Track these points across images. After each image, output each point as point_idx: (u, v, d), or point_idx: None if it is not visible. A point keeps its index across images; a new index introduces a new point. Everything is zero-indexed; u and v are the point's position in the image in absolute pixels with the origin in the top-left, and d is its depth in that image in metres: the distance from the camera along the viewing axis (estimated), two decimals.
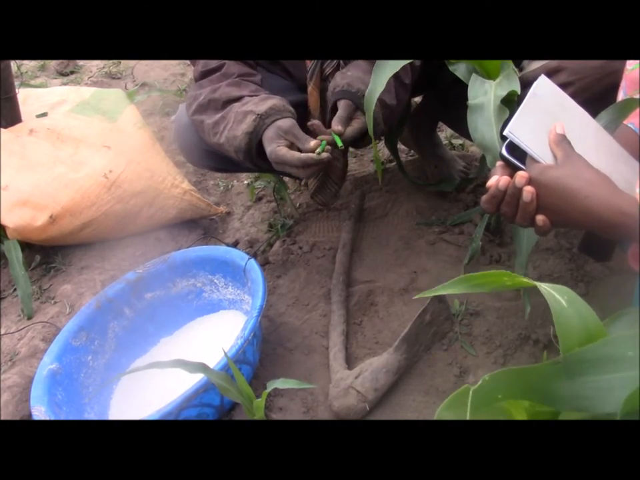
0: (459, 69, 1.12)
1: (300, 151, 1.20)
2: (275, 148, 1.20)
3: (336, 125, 1.21)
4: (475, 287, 0.72)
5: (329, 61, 1.35)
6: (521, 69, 1.18)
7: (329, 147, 1.19)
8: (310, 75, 1.37)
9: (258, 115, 1.22)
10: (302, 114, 1.49)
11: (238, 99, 1.28)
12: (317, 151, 1.17)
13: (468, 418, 0.60)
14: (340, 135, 1.20)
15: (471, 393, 0.61)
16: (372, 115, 1.10)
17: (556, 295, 0.66)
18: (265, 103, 1.24)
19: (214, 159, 1.48)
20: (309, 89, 1.37)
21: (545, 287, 0.67)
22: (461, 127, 1.66)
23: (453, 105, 1.50)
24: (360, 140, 1.29)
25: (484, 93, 1.03)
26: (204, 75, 1.36)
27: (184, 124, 1.45)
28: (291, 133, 1.21)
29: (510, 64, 1.06)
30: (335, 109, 1.26)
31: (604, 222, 0.73)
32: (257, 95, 1.28)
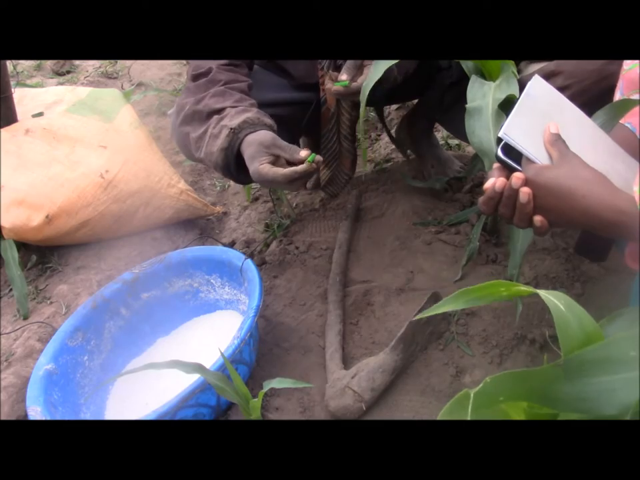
0: (466, 63, 1.11)
1: (288, 162, 1.18)
2: (258, 167, 1.17)
3: (342, 75, 1.20)
4: (473, 300, 0.71)
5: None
6: (518, 72, 1.18)
7: (318, 157, 1.16)
8: (326, 65, 1.36)
9: (231, 129, 1.20)
10: (296, 112, 1.49)
11: (220, 110, 1.26)
12: (308, 160, 1.14)
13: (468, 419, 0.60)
14: (344, 83, 1.20)
15: (472, 395, 0.61)
16: (365, 102, 1.08)
17: (554, 300, 0.65)
18: (239, 116, 1.23)
19: None
20: (326, 79, 1.36)
21: (543, 294, 0.66)
22: (457, 129, 1.67)
23: (448, 107, 1.51)
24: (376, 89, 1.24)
25: (482, 95, 1.02)
26: (194, 78, 1.35)
27: None
28: (274, 145, 1.18)
29: (510, 66, 1.04)
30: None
31: (602, 221, 0.73)
32: (238, 107, 1.27)
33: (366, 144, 1.16)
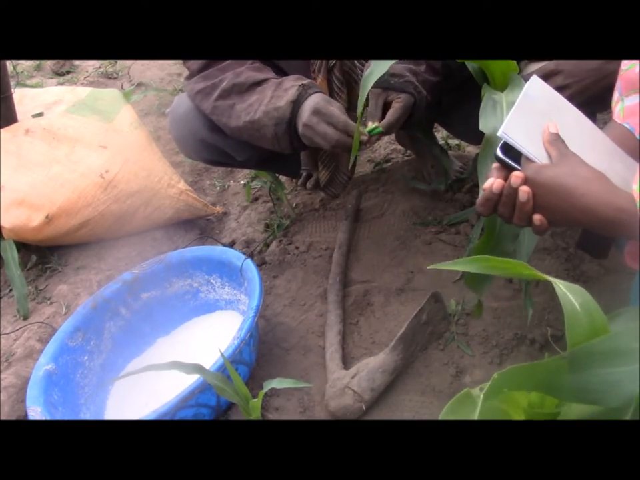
0: (472, 65, 1.07)
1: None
2: (326, 103, 1.20)
3: (367, 124, 1.20)
4: (489, 268, 0.71)
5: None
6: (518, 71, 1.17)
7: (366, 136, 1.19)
8: (317, 68, 1.37)
9: (301, 84, 1.24)
10: None
11: (263, 81, 1.29)
12: (368, 129, 1.18)
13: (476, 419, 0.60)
14: (374, 127, 1.20)
15: (482, 395, 0.61)
16: (365, 96, 1.04)
17: (567, 292, 0.65)
18: (302, 79, 1.27)
19: (208, 151, 1.49)
20: (318, 81, 1.36)
21: (558, 285, 0.66)
22: (457, 130, 1.67)
23: (447, 109, 1.50)
24: (407, 120, 1.26)
25: (493, 129, 0.95)
26: (208, 64, 1.35)
27: (179, 115, 1.45)
28: (340, 106, 1.22)
29: (522, 81, 1.00)
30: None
31: (601, 219, 0.73)
32: (277, 78, 1.30)
33: (358, 134, 1.13)
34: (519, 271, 0.70)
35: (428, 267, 0.80)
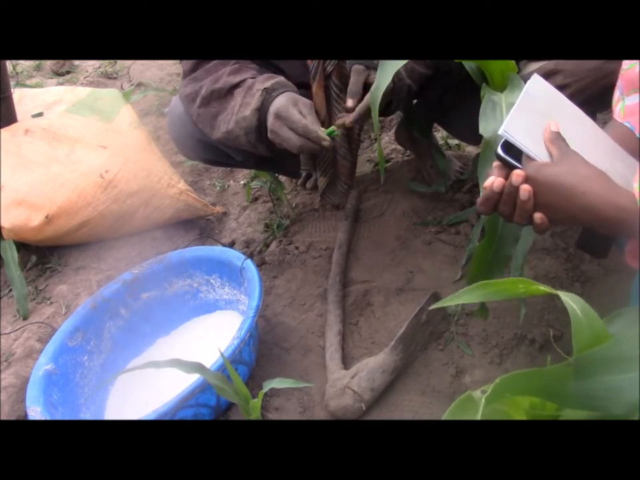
0: (470, 65, 1.06)
1: None
2: (287, 106, 1.17)
3: (347, 102, 1.19)
4: (490, 294, 0.71)
5: (329, 60, 1.35)
6: (517, 71, 1.17)
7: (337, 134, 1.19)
8: (313, 75, 1.36)
9: (264, 89, 1.21)
10: None
11: (239, 83, 1.27)
12: (327, 131, 1.17)
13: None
14: (351, 110, 1.20)
15: (483, 400, 0.61)
16: (377, 110, 1.02)
17: (572, 302, 0.65)
18: (270, 80, 1.24)
19: (207, 151, 1.48)
20: (314, 89, 1.36)
21: (564, 296, 0.66)
22: (456, 130, 1.67)
23: (447, 108, 1.50)
24: (387, 106, 1.25)
25: (493, 131, 0.95)
26: (197, 65, 1.34)
27: (177, 115, 1.45)
28: (308, 105, 1.19)
29: (521, 82, 0.98)
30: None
31: (602, 218, 0.73)
32: (254, 77, 1.27)
33: (382, 152, 1.11)
34: (519, 289, 0.70)
35: (432, 308, 0.79)
